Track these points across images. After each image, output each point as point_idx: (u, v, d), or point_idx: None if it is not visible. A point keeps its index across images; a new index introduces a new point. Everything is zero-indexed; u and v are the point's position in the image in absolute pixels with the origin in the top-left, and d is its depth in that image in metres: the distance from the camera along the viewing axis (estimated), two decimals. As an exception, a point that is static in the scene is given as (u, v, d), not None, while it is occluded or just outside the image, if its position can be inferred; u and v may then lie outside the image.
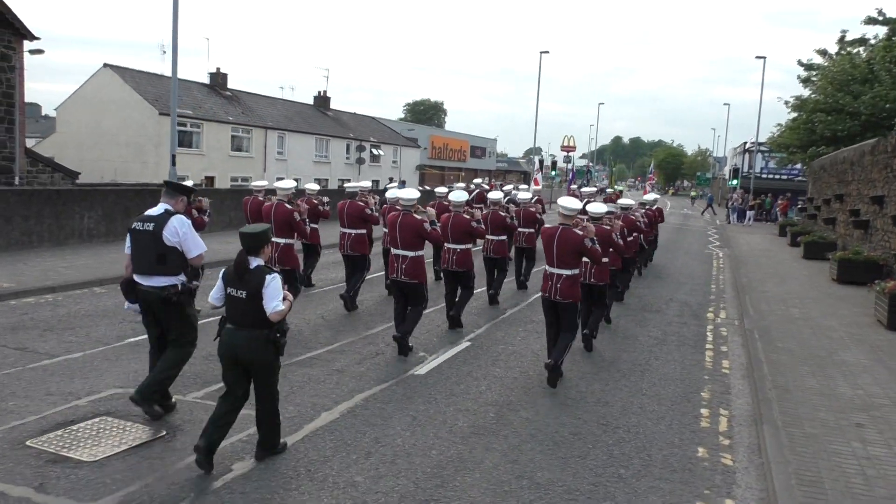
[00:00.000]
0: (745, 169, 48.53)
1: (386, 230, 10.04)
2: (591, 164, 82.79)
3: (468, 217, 9.48)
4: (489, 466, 5.29)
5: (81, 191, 16.83)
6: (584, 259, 7.72)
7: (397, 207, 8.66)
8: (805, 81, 31.31)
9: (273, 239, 7.96)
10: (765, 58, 40.53)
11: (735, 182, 43.44)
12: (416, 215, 8.18)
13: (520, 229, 12.62)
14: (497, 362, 8.11)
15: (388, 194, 11.23)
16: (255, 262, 4.93)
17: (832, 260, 16.02)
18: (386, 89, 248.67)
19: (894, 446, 5.89)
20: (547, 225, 7.96)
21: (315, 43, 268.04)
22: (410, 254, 8.13)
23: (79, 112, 33.91)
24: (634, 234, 11.88)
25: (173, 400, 6.04)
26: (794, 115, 32.17)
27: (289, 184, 9.71)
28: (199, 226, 7.99)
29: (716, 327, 10.92)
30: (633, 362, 8.49)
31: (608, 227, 8.72)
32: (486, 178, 42.53)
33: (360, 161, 43.66)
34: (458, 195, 9.64)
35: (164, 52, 79.89)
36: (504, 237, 11.61)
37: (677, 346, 9.51)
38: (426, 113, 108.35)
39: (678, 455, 5.76)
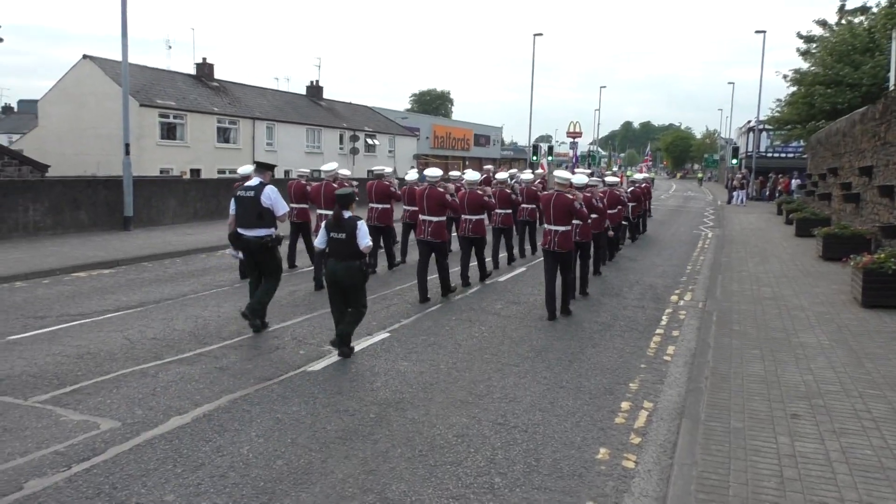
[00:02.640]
0: (750, 148, 47.30)
1: (406, 207, 12.76)
2: (597, 149, 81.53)
3: (481, 192, 11.23)
4: (338, 479, 4.53)
5: (25, 182, 16.23)
6: (575, 221, 9.65)
7: (423, 183, 10.63)
8: (804, 54, 30.15)
9: (319, 211, 11.00)
10: (764, 32, 39.21)
11: (735, 161, 42.17)
12: (439, 188, 10.22)
13: (523, 205, 14.34)
14: (409, 355, 7.35)
15: (407, 177, 13.24)
16: (347, 213, 7.12)
17: (817, 236, 15.06)
18: (392, 80, 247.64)
19: (827, 440, 5.06)
20: (544, 192, 10.07)
21: (315, 35, 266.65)
22: (435, 219, 10.17)
23: (59, 105, 33.42)
24: (619, 207, 14.31)
25: (268, 321, 8.28)
26: (794, 89, 31.00)
27: (332, 166, 11.56)
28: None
29: (675, 310, 10.10)
30: (564, 351, 7.70)
31: (589, 195, 10.54)
32: (492, 167, 41.68)
33: (353, 151, 42.91)
34: (471, 175, 11.58)
35: (170, 48, 79.66)
36: (510, 210, 13.41)
37: (623, 331, 8.71)
38: (433, 103, 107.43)
39: (573, 458, 4.96)
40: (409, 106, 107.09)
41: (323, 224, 7.30)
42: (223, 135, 36.44)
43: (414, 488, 4.44)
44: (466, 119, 78.92)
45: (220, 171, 34.96)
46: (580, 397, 6.23)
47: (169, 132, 33.43)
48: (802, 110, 29.17)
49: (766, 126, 42.09)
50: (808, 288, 11.42)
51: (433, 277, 10.66)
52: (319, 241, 7.32)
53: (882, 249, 11.29)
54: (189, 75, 38.24)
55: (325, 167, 11.58)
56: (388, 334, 8.15)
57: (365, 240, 7.00)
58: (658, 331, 8.84)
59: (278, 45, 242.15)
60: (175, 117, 33.32)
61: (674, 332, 8.78)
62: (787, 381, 6.46)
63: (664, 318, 9.61)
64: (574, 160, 47.68)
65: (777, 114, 33.56)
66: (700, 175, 79.08)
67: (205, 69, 38.72)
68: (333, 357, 7.16)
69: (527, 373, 6.88)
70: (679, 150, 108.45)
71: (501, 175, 14.06)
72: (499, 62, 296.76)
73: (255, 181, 8.06)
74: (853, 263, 10.20)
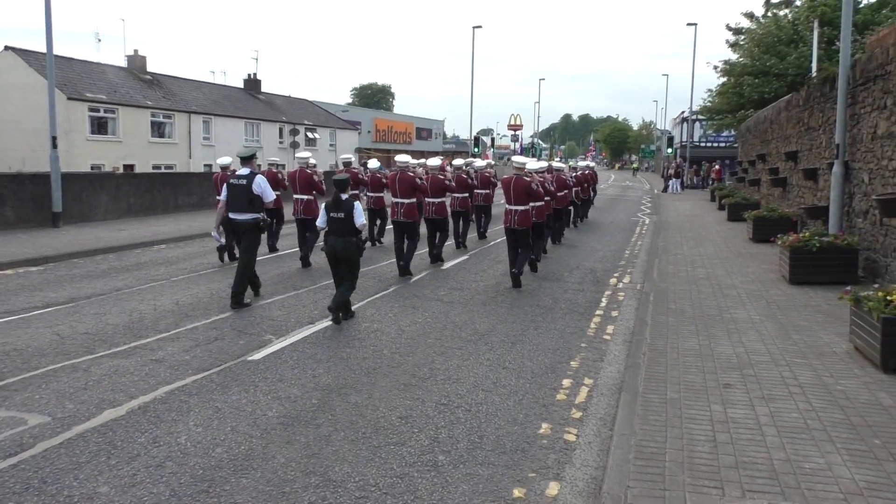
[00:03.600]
0: (685, 138, 48.60)
1: (370, 194, 14.44)
2: (537, 141, 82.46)
3: (442, 177, 12.29)
4: (279, 463, 4.46)
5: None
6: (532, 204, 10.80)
7: (393, 169, 11.89)
8: (734, 46, 31.09)
9: (296, 196, 12.17)
10: (696, 24, 40.42)
11: (670, 151, 43.31)
12: (409, 173, 11.35)
13: (478, 191, 15.36)
14: (352, 342, 7.30)
15: (371, 164, 14.72)
16: (344, 195, 8.10)
17: (748, 219, 15.61)
18: (333, 73, 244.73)
19: (757, 406, 5.25)
20: (504, 176, 11.08)
21: (252, 27, 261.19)
22: (406, 201, 11.17)
23: (-21, 100, 31.82)
24: (565, 191, 15.37)
25: (248, 300, 9.03)
26: (724, 80, 31.97)
27: (306, 154, 12.87)
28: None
29: (614, 292, 10.32)
30: (506, 334, 7.77)
31: (541, 179, 11.78)
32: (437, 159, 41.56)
33: (293, 145, 42.19)
34: (433, 161, 12.46)
35: (100, 40, 76.66)
36: (467, 195, 14.44)
37: (564, 313, 8.85)
38: (374, 96, 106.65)
39: (516, 434, 5.01)
40: (350, 100, 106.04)
41: (323, 205, 8.35)
42: (157, 129, 35.33)
43: (357, 469, 4.41)
44: (408, 112, 78.71)
45: (155, 167, 33.92)
46: (522, 376, 6.30)
47: (100, 127, 32.21)
48: (732, 100, 30.15)
49: (699, 116, 43.35)
50: (740, 268, 11.83)
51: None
52: (320, 221, 8.34)
53: (806, 229, 11.79)
54: (120, 68, 36.91)
55: (299, 154, 12.99)
56: (329, 322, 8.06)
57: (360, 219, 8.06)
58: (598, 312, 9.01)
59: (214, 37, 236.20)
60: (106, 111, 32.11)
61: (613, 313, 8.97)
62: (720, 354, 6.68)
63: (604, 299, 9.80)
64: (519, 151, 48.17)
65: (709, 104, 34.62)
66: (635, 165, 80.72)
67: (137, 62, 37.43)
68: (274, 346, 7.05)
69: (470, 355, 6.91)
70: (617, 142, 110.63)
71: (458, 161, 15.52)
72: (441, 55, 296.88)
73: (245, 170, 9.02)
74: (780, 243, 10.61)
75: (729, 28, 30.84)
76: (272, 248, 13.57)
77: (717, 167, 38.60)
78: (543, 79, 76.70)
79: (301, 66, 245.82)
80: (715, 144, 50.39)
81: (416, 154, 62.92)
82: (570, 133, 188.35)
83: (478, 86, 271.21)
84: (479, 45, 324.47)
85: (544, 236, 13.07)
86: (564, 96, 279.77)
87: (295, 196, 12.23)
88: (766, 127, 20.85)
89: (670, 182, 37.83)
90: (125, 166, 31.99)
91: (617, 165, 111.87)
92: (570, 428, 5.17)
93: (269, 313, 8.47)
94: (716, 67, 31.17)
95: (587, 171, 21.34)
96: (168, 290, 9.89)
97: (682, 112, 56.22)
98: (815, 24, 19.79)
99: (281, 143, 44.42)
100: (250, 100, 45.15)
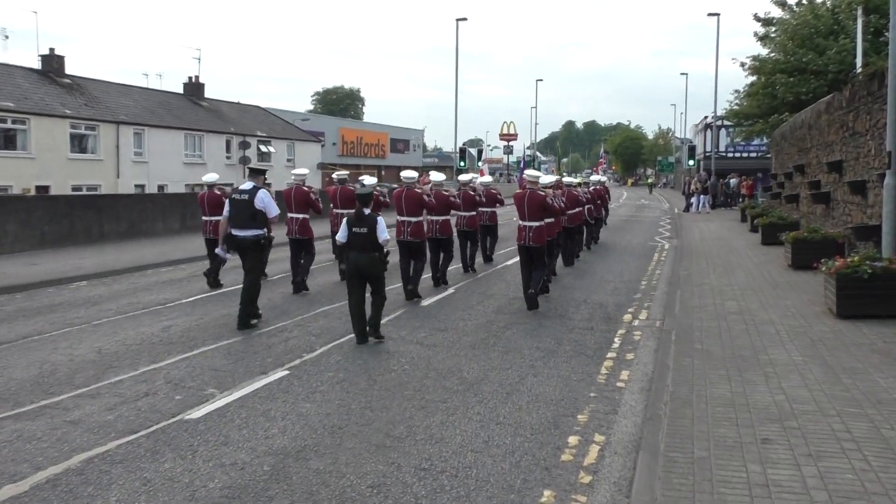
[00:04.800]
0: (708, 147, 49.26)
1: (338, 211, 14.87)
2: (534, 153, 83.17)
3: (447, 193, 13.65)
4: (222, 545, 4.35)
5: None
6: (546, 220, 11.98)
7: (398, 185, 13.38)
8: (763, 39, 31.57)
9: (291, 215, 13.51)
10: (718, 15, 41.20)
11: (692, 163, 43.82)
12: (416, 189, 12.69)
13: (482, 209, 16.33)
14: (313, 396, 7.21)
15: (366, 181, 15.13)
16: (367, 210, 9.25)
17: (785, 242, 15.75)
18: (291, 76, 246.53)
19: (803, 466, 5.21)
20: (517, 191, 12.45)
21: (193, 22, 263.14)
22: (413, 219, 12.50)
23: None
24: (577, 209, 16.73)
25: (260, 312, 10.52)
26: (753, 79, 32.46)
27: (303, 171, 14.58)
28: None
29: (629, 331, 10.32)
30: (500, 383, 7.72)
31: (553, 195, 12.99)
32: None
33: (244, 161, 42.29)
34: (437, 176, 13.83)
35: (7, 37, 76.75)
36: (474, 213, 15.75)
37: (570, 357, 8.82)
38: (339, 103, 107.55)
39: (511, 503, 4.94)
40: (311, 107, 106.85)
41: (344, 220, 9.47)
42: (79, 143, 35.28)
43: (318, 552, 4.31)
44: (381, 121, 79.23)
45: (76, 188, 33.79)
46: (520, 434, 6.24)
47: (7, 141, 32.09)
48: (763, 102, 30.59)
49: (725, 121, 43.98)
50: (778, 300, 11.89)
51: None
52: (341, 236, 9.44)
53: (855, 252, 11.88)
54: (32, 70, 36.86)
55: (295, 171, 14.53)
56: (286, 372, 7.99)
57: (384, 233, 9.16)
58: (610, 355, 8.99)
59: (147, 33, 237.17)
60: (14, 122, 32.01)
61: (628, 356, 8.95)
62: (756, 403, 6.65)
63: (616, 340, 9.79)
64: (521, 165, 48.60)
65: (736, 107, 35.08)
66: (650, 180, 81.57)
67: (53, 62, 37.42)
68: (218, 401, 6.95)
69: (456, 409, 6.84)
70: (629, 153, 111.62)
71: (465, 177, 16.93)
72: (419, 53, 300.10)
73: (248, 185, 10.23)
74: (825, 270, 10.68)
75: (757, 18, 31.33)
76: (216, 283, 13.72)
77: (746, 181, 39.04)
78: (541, 80, 77.63)
79: (252, 68, 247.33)
80: (744, 155, 51.16)
81: (391, 171, 63.29)
82: (573, 143, 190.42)
83: (464, 89, 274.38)
84: (464, 40, 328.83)
85: (554, 256, 14.16)
86: (566, 100, 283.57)
87: (289, 215, 13.50)
88: (803, 133, 21.17)
89: (694, 199, 38.16)
90: (38, 188, 31.81)
91: (630, 180, 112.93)
92: (577, 495, 5.10)
93: (211, 362, 8.37)
94: (743, 65, 31.65)
95: (599, 188, 22.30)
96: (89, 335, 9.79)
97: (705, 117, 57.14)
98: (859, 13, 20.21)
99: (228, 157, 44.55)
100: (191, 107, 45.31)
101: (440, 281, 13.62)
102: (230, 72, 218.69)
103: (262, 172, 10.60)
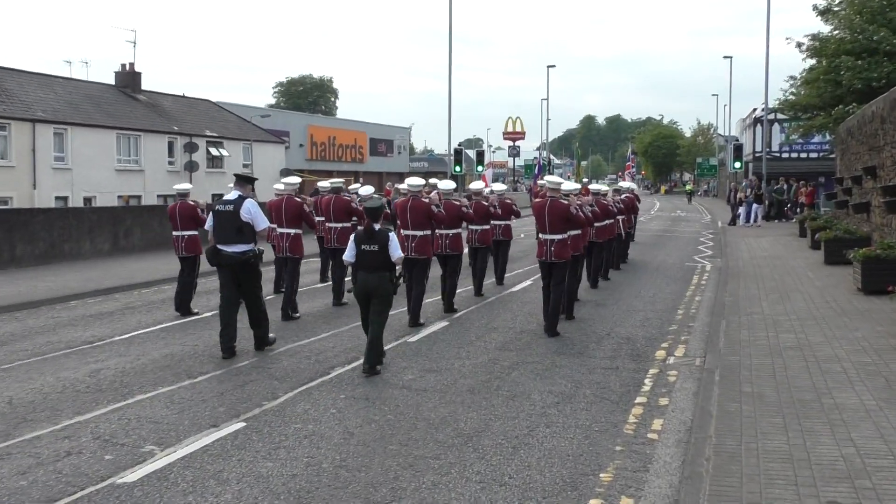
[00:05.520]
0: (758, 147, 49.54)
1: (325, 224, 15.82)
2: (544, 154, 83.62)
3: (458, 203, 14.64)
4: None
5: None
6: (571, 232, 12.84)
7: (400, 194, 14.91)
8: (824, 13, 31.83)
9: (280, 230, 13.91)
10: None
11: (738, 165, 44.08)
12: (423, 199, 13.39)
13: (495, 222, 17.25)
14: (275, 453, 7.24)
15: (362, 191, 16.65)
16: (377, 226, 10.05)
17: (854, 261, 15.84)
18: (249, 63, 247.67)
19: (878, 537, 5.24)
20: (536, 200, 13.49)
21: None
22: (419, 233, 13.23)
23: None
24: (608, 221, 17.41)
25: (272, 336, 11.57)
26: (812, 62, 32.70)
27: (294, 179, 15.09)
28: (202, 222, 13.86)
29: (663, 371, 10.38)
30: (504, 435, 7.76)
31: (578, 203, 13.53)
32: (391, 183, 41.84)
33: (190, 167, 42.56)
34: (446, 184, 15.00)
35: None
36: (488, 226, 16.79)
37: (590, 403, 8.86)
38: (307, 95, 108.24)
39: (520, 584, 4.94)
40: (273, 100, 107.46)
41: (352, 237, 10.34)
42: (-16, 147, 35.33)
43: None
44: (358, 117, 79.68)
45: (-19, 202, 33.79)
46: (529, 497, 6.26)
47: None
48: (825, 90, 30.80)
49: (779, 115, 44.24)
50: (845, 331, 11.97)
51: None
52: (348, 255, 10.30)
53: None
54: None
55: (284, 179, 15.19)
56: (242, 424, 8.02)
57: (397, 251, 10.06)
58: (639, 399, 9.04)
59: (71, 13, 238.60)
60: None
61: (661, 401, 9.00)
62: (820, 458, 6.69)
63: (647, 381, 9.85)
64: (536, 170, 48.92)
65: (791, 97, 35.31)
66: (689, 187, 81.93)
67: (-44, 48, 37.60)
68: (158, 461, 6.96)
69: (451, 467, 6.87)
70: (662, 154, 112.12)
71: (476, 185, 17.85)
72: (405, 36, 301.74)
73: (233, 195, 10.96)
74: (902, 292, 10.76)
75: (816, -14, 31.63)
76: (187, 311, 14.39)
77: (805, 188, 39.25)
78: (553, 66, 77.58)
79: (200, 54, 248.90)
80: (803, 155, 51.45)
81: (370, 177, 63.60)
82: (593, 142, 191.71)
83: (459, 77, 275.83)
84: (459, 19, 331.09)
85: (578, 275, 14.72)
86: (584, 91, 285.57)
87: (279, 230, 14.00)
88: (875, 128, 21.33)
89: (742, 209, 38.33)
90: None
91: (663, 188, 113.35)
92: (601, 573, 5.10)
93: (150, 412, 8.39)
94: (800, 45, 31.96)
95: (629, 196, 22.86)
96: (44, 367, 9.91)
97: (754, 110, 57.54)
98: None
99: (171, 163, 44.67)
100: (126, 101, 45.55)
101: (451, 307, 14.40)
102: (173, 59, 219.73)
103: (251, 181, 11.48)
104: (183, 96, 53.20)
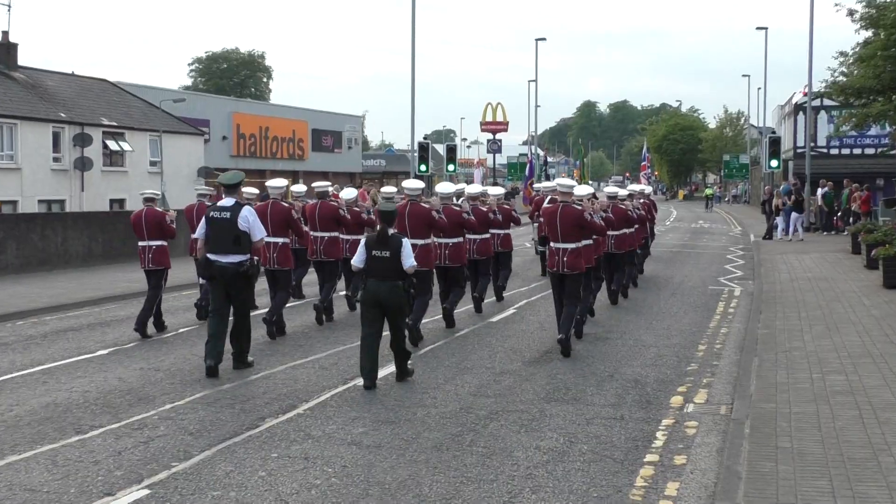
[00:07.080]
0: (800, 141, 49.93)
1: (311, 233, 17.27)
2: (538, 151, 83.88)
3: (458, 209, 15.96)
4: None
5: None
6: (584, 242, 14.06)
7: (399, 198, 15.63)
8: (883, -27, 32.13)
9: (268, 239, 14.40)
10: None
11: (775, 164, 44.29)
12: (423, 205, 14.86)
13: (494, 230, 18.68)
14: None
15: (344, 194, 18.33)
16: (391, 230, 11.65)
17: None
18: (157, 36, 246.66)
19: None
20: (546, 206, 14.96)
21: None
22: (420, 242, 14.18)
23: None
24: (628, 229, 18.90)
25: (251, 359, 13.00)
26: (868, 34, 32.95)
27: (280, 182, 16.58)
28: (170, 233, 16.00)
29: (679, 421, 10.44)
30: (479, 501, 7.78)
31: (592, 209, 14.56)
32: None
33: (81, 165, 42.33)
34: (445, 187, 16.36)
35: None
36: (488, 235, 18.16)
37: (587, 462, 8.91)
38: (232, 75, 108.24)
39: None
40: (188, 81, 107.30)
41: (362, 242, 11.82)
42: None
43: None
44: (297, 103, 79.60)
45: None
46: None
47: None
48: (884, 70, 30.99)
49: (826, 100, 44.53)
50: (907, 372, 12.06)
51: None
52: (357, 260, 11.72)
53: None
54: None
55: (270, 182, 16.63)
56: (146, 491, 7.99)
57: (410, 259, 11.48)
58: (649, 458, 9.08)
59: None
60: None
61: (677, 459, 9.05)
62: (875, 530, 6.75)
63: (659, 434, 9.90)
64: (528, 171, 48.98)
65: (841, 78, 35.55)
66: (708, 191, 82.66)
67: None
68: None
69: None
70: (680, 150, 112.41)
71: (474, 189, 19.18)
72: (356, 2, 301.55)
73: (229, 201, 12.33)
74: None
75: (871, -61, 31.90)
76: (160, 327, 16.11)
77: (858, 193, 39.58)
78: (543, 39, 77.45)
79: (94, 22, 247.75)
80: (856, 150, 51.82)
81: (313, 177, 63.62)
82: (594, 135, 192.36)
83: (424, 53, 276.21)
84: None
85: (592, 289, 16.08)
86: (582, 71, 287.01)
87: (266, 239, 14.53)
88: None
89: (779, 219, 38.55)
90: None
91: (682, 192, 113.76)
92: None
93: (26, 478, 8.33)
94: (852, 13, 32.06)
95: (646, 202, 24.01)
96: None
97: (793, 94, 58.07)
98: None
99: (57, 159, 44.29)
100: (-1, 81, 45.22)
101: (451, 323, 16.01)
102: (59, 28, 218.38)
103: (238, 184, 12.71)
104: (73, 75, 53.01)
